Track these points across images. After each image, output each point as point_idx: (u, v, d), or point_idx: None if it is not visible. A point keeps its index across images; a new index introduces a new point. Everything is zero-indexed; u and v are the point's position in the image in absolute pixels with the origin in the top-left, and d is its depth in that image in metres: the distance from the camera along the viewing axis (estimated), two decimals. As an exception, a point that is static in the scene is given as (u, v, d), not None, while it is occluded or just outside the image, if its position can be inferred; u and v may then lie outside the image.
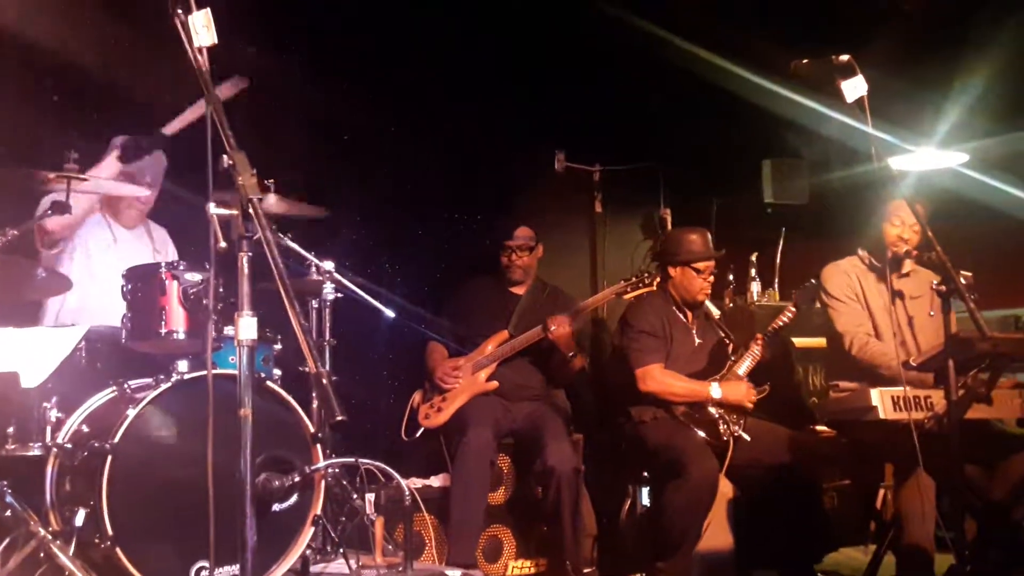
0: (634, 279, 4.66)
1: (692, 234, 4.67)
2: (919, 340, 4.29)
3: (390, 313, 3.97)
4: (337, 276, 3.91)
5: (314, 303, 4.01)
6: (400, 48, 5.18)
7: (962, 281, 3.47)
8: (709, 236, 4.70)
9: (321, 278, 3.91)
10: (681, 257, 4.63)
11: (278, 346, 3.85)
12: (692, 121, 5.88)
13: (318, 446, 3.46)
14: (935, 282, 3.46)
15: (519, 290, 4.91)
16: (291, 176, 4.02)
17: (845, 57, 3.58)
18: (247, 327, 2.36)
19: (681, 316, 4.68)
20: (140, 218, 4.14)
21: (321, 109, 4.78)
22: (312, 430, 3.47)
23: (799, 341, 5.33)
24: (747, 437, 4.40)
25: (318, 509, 3.45)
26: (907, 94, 5.17)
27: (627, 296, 4.71)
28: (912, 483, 3.93)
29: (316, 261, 3.85)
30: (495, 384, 4.65)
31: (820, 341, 4.97)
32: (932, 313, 4.29)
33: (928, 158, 5.85)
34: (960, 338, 3.57)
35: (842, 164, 6.10)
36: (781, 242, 5.95)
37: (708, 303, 4.82)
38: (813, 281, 4.52)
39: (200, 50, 2.51)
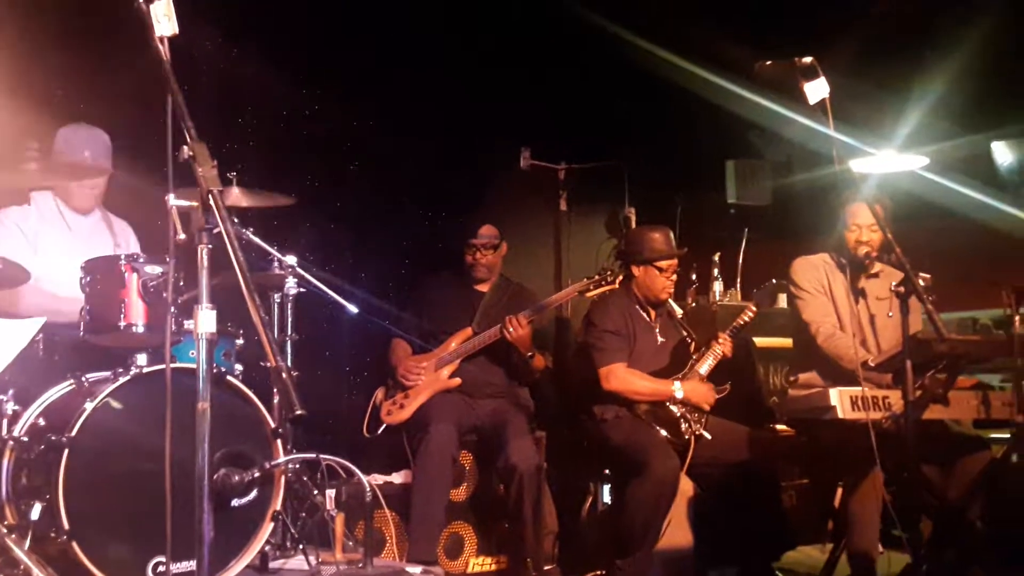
0: (597, 277, 4.66)
1: (655, 233, 4.68)
2: (879, 340, 4.32)
3: (353, 309, 3.94)
4: (300, 271, 3.87)
5: (276, 298, 3.97)
6: (367, 44, 5.16)
7: (920, 283, 3.51)
8: (672, 235, 4.71)
9: (284, 273, 3.87)
10: (644, 256, 4.64)
11: (240, 341, 3.81)
12: (657, 121, 5.90)
13: (279, 441, 3.43)
14: (894, 283, 3.50)
15: (483, 287, 4.90)
16: (255, 169, 3.98)
17: (808, 59, 3.61)
18: (206, 320, 2.34)
19: (644, 315, 4.69)
20: (94, 201, 4.06)
21: (285, 102, 4.74)
22: (273, 425, 3.44)
23: (760, 341, 5.37)
24: (708, 436, 4.42)
25: (278, 505, 3.41)
26: (868, 97, 5.23)
27: (590, 294, 4.70)
28: (868, 482, 3.96)
29: (279, 255, 3.81)
30: (458, 381, 4.64)
31: (782, 341, 5.02)
32: (891, 314, 4.33)
33: (889, 161, 5.91)
34: (918, 339, 3.61)
35: (804, 166, 6.16)
36: (744, 242, 5.98)
37: (671, 302, 4.83)
38: (774, 281, 4.54)
39: (162, 39, 2.48)
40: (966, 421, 4.35)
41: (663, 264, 4.62)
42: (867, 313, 4.37)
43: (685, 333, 4.78)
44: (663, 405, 4.48)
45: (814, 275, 4.40)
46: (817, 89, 3.59)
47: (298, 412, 2.16)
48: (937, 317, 3.44)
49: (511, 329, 4.54)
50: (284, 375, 2.17)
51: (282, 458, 3.41)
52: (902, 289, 3.50)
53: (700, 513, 4.72)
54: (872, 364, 3.89)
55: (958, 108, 5.53)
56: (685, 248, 4.77)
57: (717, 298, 5.86)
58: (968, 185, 5.80)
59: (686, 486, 4.63)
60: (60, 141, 3.92)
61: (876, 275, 4.42)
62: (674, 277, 4.68)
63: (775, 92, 5.13)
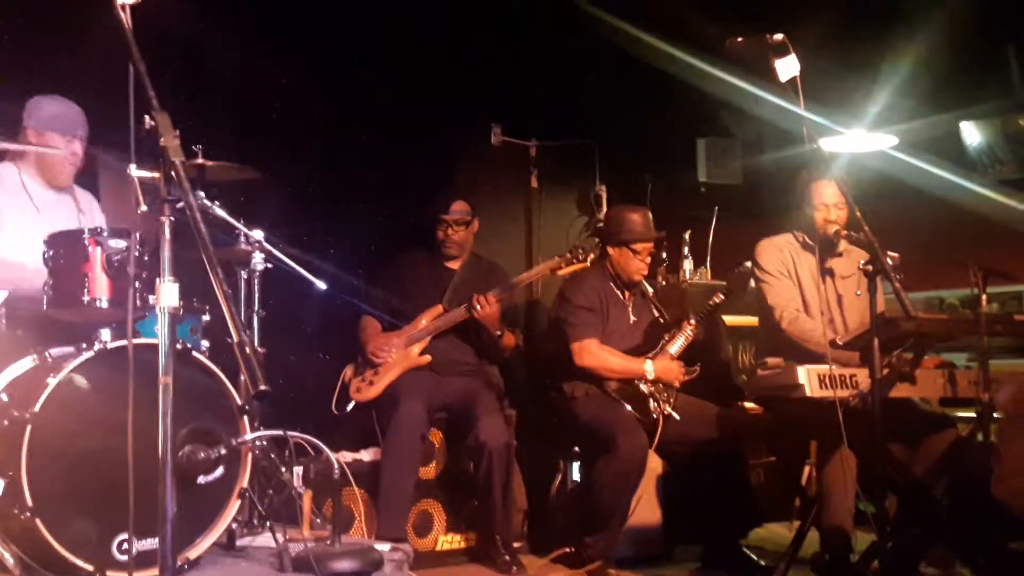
0: (568, 255, 4.67)
1: (633, 214, 4.68)
2: (847, 319, 4.34)
3: (322, 285, 3.91)
4: (267, 246, 3.84)
5: (243, 273, 3.92)
6: (337, 16, 5.10)
7: (888, 262, 3.53)
8: (650, 216, 4.70)
9: (250, 247, 3.83)
10: (621, 236, 4.64)
11: (206, 317, 3.77)
12: (628, 98, 5.88)
13: (245, 418, 3.40)
14: (862, 262, 3.51)
15: (454, 264, 4.88)
16: (221, 141, 3.93)
17: (779, 36, 3.60)
18: (168, 293, 2.31)
19: (618, 293, 4.70)
20: (72, 174, 4.00)
21: (253, 74, 4.68)
22: (239, 402, 3.41)
23: (730, 319, 5.39)
24: (677, 416, 4.45)
25: (245, 482, 3.39)
26: (838, 75, 5.23)
27: (561, 272, 4.71)
28: (835, 460, 3.99)
29: (245, 230, 3.77)
30: (428, 358, 4.63)
31: (751, 319, 5.04)
32: (859, 293, 4.35)
33: (858, 140, 5.93)
34: (885, 318, 3.63)
35: (775, 145, 6.17)
36: (714, 221, 5.99)
37: (643, 281, 4.84)
38: (748, 264, 4.55)
39: (123, 7, 2.43)
40: (932, 399, 4.39)
41: (638, 246, 4.62)
42: (834, 293, 4.38)
43: (657, 313, 4.80)
44: (633, 383, 4.49)
45: (778, 257, 4.40)
46: (788, 67, 3.59)
47: (261, 388, 2.14)
48: (904, 296, 3.46)
49: (479, 307, 4.53)
50: (247, 349, 2.14)
51: (249, 435, 3.39)
52: (870, 268, 3.51)
53: (669, 490, 4.76)
54: (840, 343, 3.91)
55: (927, 87, 5.55)
56: (663, 232, 4.77)
57: (687, 277, 5.88)
58: (937, 165, 5.81)
59: (655, 463, 4.66)
60: (39, 112, 3.84)
61: (840, 254, 4.43)
62: (648, 259, 4.70)
63: (746, 70, 5.12)
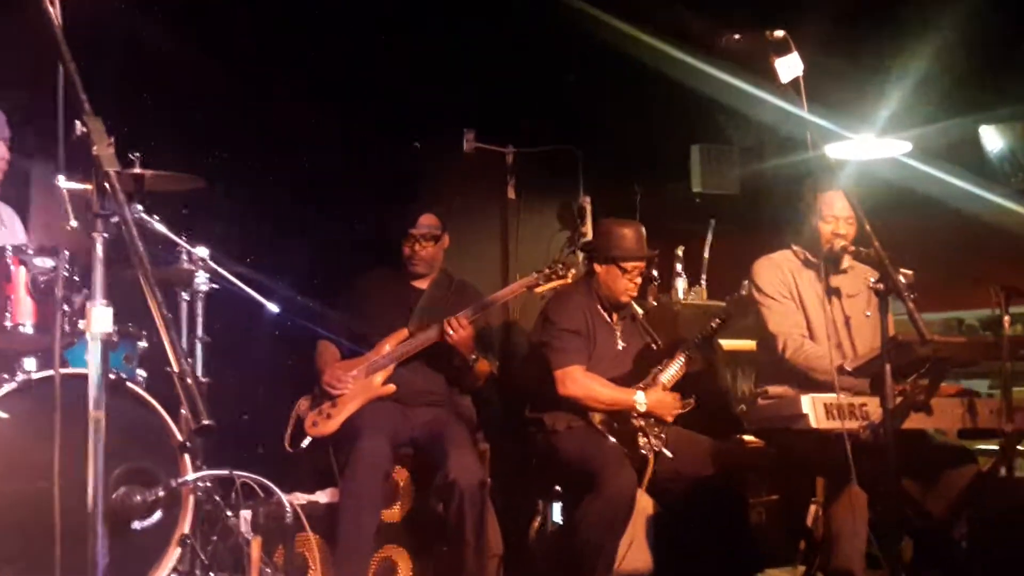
0: (547, 270, 4.67)
1: (626, 229, 4.70)
2: (856, 342, 4.37)
3: (274, 307, 3.91)
4: (212, 264, 3.83)
5: (185, 295, 3.92)
6: (294, 14, 5.11)
7: (901, 280, 3.54)
8: (644, 233, 4.72)
9: (193, 266, 3.83)
10: (610, 253, 4.66)
11: (143, 344, 3.77)
12: (614, 101, 5.92)
13: (187, 456, 3.39)
14: (872, 280, 3.53)
15: (422, 283, 4.89)
16: (162, 149, 3.93)
17: (780, 33, 3.62)
18: (100, 318, 2.30)
19: (605, 315, 4.71)
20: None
21: (198, 74, 4.68)
22: (180, 439, 3.40)
23: (727, 343, 5.40)
24: (669, 454, 4.45)
25: (186, 528, 3.39)
26: (846, 76, 5.28)
27: (539, 289, 4.72)
28: (844, 498, 4.00)
29: (187, 246, 3.77)
30: (392, 388, 4.62)
31: (749, 343, 5.05)
32: (869, 314, 4.38)
33: (868, 146, 5.97)
34: (898, 341, 3.64)
35: (776, 151, 6.21)
36: (710, 235, 6.01)
37: (632, 303, 4.85)
38: (748, 287, 4.57)
39: (52, 1, 2.43)
40: (950, 431, 4.40)
41: (628, 265, 4.65)
42: (841, 314, 4.41)
43: (648, 338, 4.81)
44: (622, 416, 4.50)
45: (778, 277, 4.43)
46: (790, 66, 3.61)
47: (204, 422, 2.13)
48: (919, 317, 3.47)
49: (451, 331, 4.53)
50: (188, 380, 2.14)
51: (191, 475, 3.37)
52: (881, 286, 3.53)
53: (660, 533, 4.75)
54: (848, 368, 3.93)
55: (944, 89, 5.59)
56: (656, 250, 4.79)
57: (680, 297, 5.90)
58: (954, 173, 5.86)
59: (645, 503, 4.65)
60: None
61: (845, 271, 4.46)
62: (639, 279, 4.71)
63: (744, 69, 5.16)
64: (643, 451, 4.44)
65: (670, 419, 4.53)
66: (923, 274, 3.71)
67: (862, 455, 3.76)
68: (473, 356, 4.63)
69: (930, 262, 4.39)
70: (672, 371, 4.61)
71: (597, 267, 4.70)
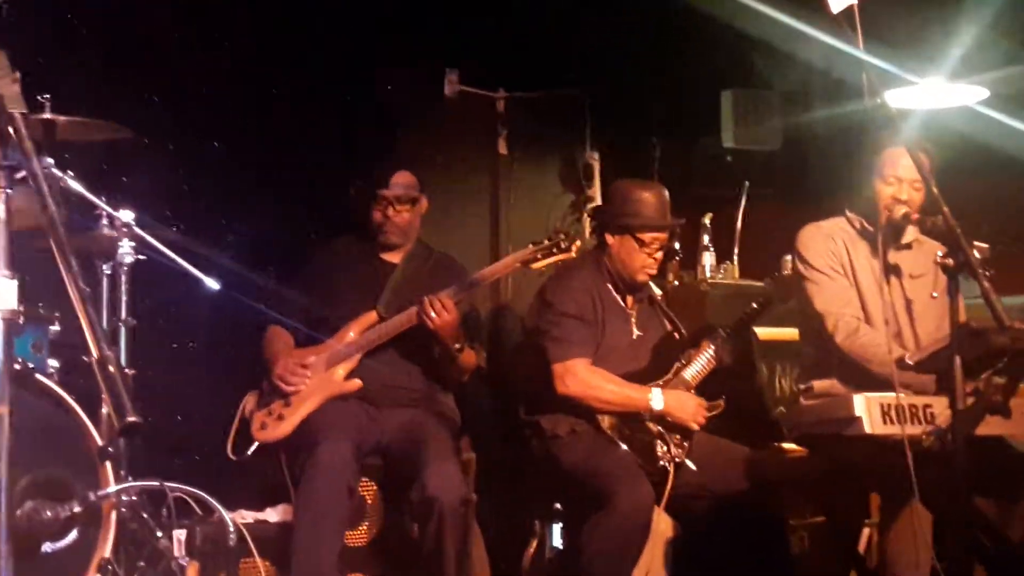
0: (546, 243, 4.66)
1: (645, 192, 4.69)
2: (919, 331, 4.38)
3: (214, 284, 3.90)
4: (139, 231, 3.82)
5: (106, 268, 3.92)
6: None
7: (975, 255, 3.55)
8: (667, 198, 4.71)
9: (116, 233, 3.82)
10: (625, 221, 4.65)
11: (56, 328, 3.76)
12: (629, 35, 5.90)
13: (108, 464, 3.39)
14: (939, 254, 3.53)
15: (394, 257, 4.89)
16: (79, 91, 3.92)
17: (830, -48, 3.62)
18: (4, 293, 2.29)
19: (617, 298, 4.72)
20: None
21: (124, 3, 4.67)
22: (100, 442, 3.40)
23: (763, 332, 5.41)
24: (693, 466, 4.46)
25: (106, 551, 3.39)
26: (910, 6, 5.27)
27: (536, 265, 4.70)
28: (904, 519, 4.03)
29: (109, 209, 3.76)
30: (358, 384, 4.62)
31: (791, 332, 5.06)
32: (935, 295, 4.39)
33: (937, 93, 5.97)
34: (971, 329, 3.64)
35: (824, 99, 6.20)
36: (743, 200, 6.02)
37: (650, 283, 4.86)
38: (790, 261, 4.57)
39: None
40: (1034, 438, 4.43)
41: (647, 237, 4.64)
42: (902, 296, 4.42)
43: (670, 326, 4.81)
44: (636, 419, 4.50)
45: (828, 248, 4.44)
46: (842, -6, 3.61)
47: (130, 420, 2.13)
48: (996, 300, 3.48)
49: (432, 313, 4.52)
50: (111, 368, 2.13)
51: (113, 487, 3.37)
52: (950, 262, 3.53)
53: (682, 560, 4.76)
54: (910, 362, 3.93)
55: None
56: (682, 219, 4.79)
57: (707, 274, 5.91)
58: (1041, 125, 5.87)
59: (664, 524, 4.66)
60: None
61: (908, 246, 4.47)
62: (659, 255, 4.71)
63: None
64: (662, 462, 4.45)
65: (694, 427, 4.53)
66: (1002, 248, 3.71)
67: (926, 467, 3.77)
68: (458, 345, 4.63)
69: (1010, 234, 4.41)
70: (698, 366, 4.61)
71: (609, 238, 4.70)
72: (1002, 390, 3.83)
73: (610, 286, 4.72)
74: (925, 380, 3.96)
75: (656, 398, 4.51)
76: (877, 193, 4.39)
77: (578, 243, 4.66)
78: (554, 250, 4.63)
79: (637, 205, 4.66)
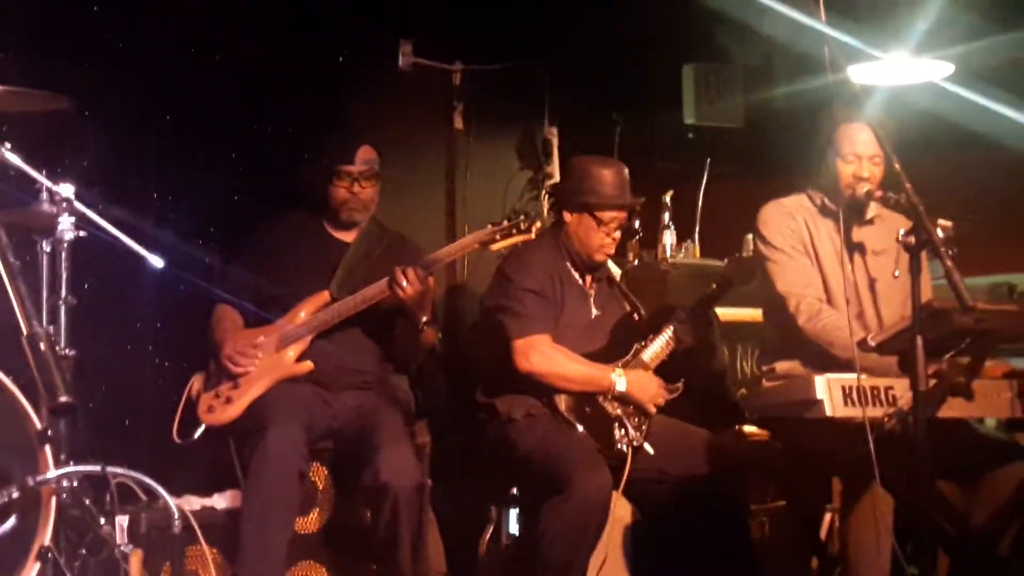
0: (506, 223, 4.64)
1: (603, 169, 4.69)
2: (882, 310, 4.41)
3: (158, 261, 3.87)
4: (80, 206, 3.79)
5: (45, 245, 3.87)
6: None
7: (938, 232, 3.56)
8: (627, 175, 4.71)
9: (55, 209, 3.78)
10: (582, 198, 4.65)
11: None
12: (589, 7, 5.88)
13: (47, 448, 3.36)
14: (902, 231, 3.54)
15: (346, 235, 4.87)
16: (15, 58, 3.88)
17: (792, -76, 3.62)
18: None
19: (577, 276, 4.72)
20: None
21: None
22: (39, 426, 3.37)
23: (724, 313, 5.42)
24: (651, 450, 4.47)
25: (46, 538, 3.37)
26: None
27: (495, 246, 4.69)
28: (865, 504, 4.04)
29: (48, 183, 3.72)
30: (309, 366, 4.60)
31: (753, 313, 5.08)
32: (897, 274, 4.41)
33: (900, 68, 5.99)
34: (934, 309, 3.66)
35: (788, 74, 6.21)
36: (705, 178, 6.03)
37: (609, 262, 4.86)
38: (752, 239, 4.58)
39: None
40: (996, 421, 4.45)
41: (605, 215, 4.64)
42: (865, 275, 4.45)
43: (629, 307, 4.81)
44: (594, 401, 4.51)
45: (789, 226, 4.45)
46: (805, -35, 3.62)
47: (62, 400, 2.12)
48: (959, 280, 3.50)
49: (404, 282, 4.49)
50: (41, 346, 2.11)
51: (53, 472, 3.35)
52: (912, 240, 3.55)
53: (641, 546, 4.79)
54: (872, 343, 3.94)
55: (994, -3, 5.63)
56: (641, 198, 4.78)
57: (668, 253, 5.91)
58: (1006, 101, 5.88)
59: (622, 510, 4.68)
60: None
61: (871, 222, 4.49)
62: (617, 234, 4.72)
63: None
64: (620, 445, 4.46)
65: (652, 409, 4.54)
66: (965, 226, 3.73)
67: (889, 450, 3.79)
68: (425, 318, 4.60)
69: (974, 212, 4.43)
70: (656, 347, 4.62)
71: (567, 216, 4.70)
72: (965, 372, 3.87)
73: (569, 265, 4.72)
74: (887, 362, 3.98)
75: (619, 378, 4.51)
76: (838, 171, 4.40)
77: (538, 224, 4.65)
78: (513, 231, 4.61)
79: (595, 183, 4.66)
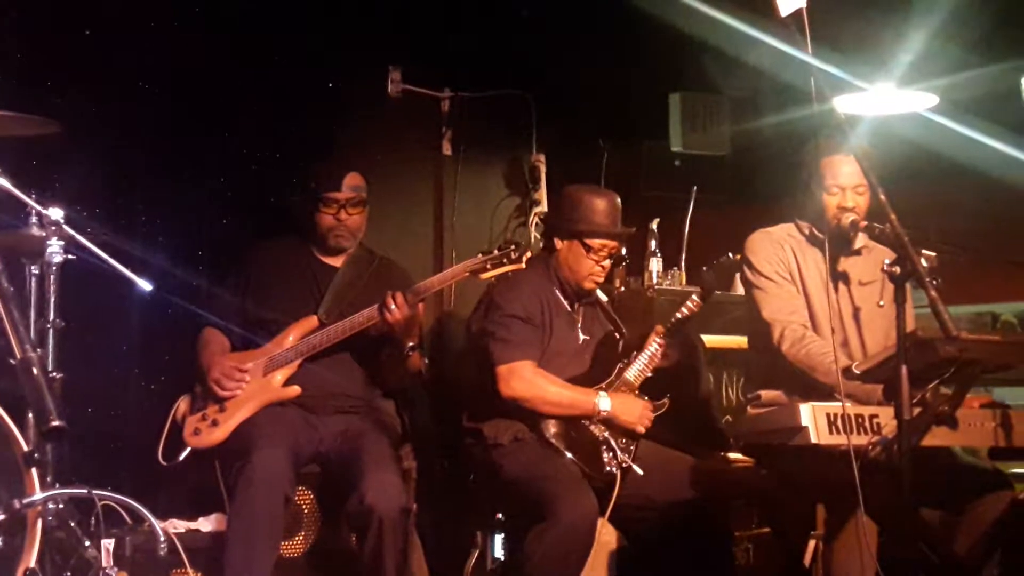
0: (496, 252, 4.65)
1: (596, 198, 4.71)
2: (866, 339, 4.41)
3: (147, 285, 3.87)
4: (69, 230, 3.79)
5: (34, 268, 3.88)
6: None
7: (923, 263, 3.58)
8: (619, 205, 4.73)
9: (44, 232, 3.78)
10: (573, 226, 4.67)
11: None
12: (577, 36, 5.90)
13: (34, 471, 3.35)
14: (887, 262, 3.56)
15: (335, 260, 4.87)
16: (5, 83, 3.89)
17: (780, -44, 3.64)
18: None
19: (565, 303, 4.73)
20: None
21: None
22: (26, 448, 3.36)
23: (710, 340, 5.44)
24: (640, 471, 4.47)
25: (31, 561, 3.35)
26: (860, 12, 5.30)
27: (485, 275, 4.69)
28: (849, 531, 4.04)
29: (38, 207, 3.72)
30: (296, 390, 4.60)
31: (738, 340, 5.08)
32: (882, 303, 4.42)
33: (886, 99, 6.02)
34: (918, 338, 3.67)
35: (774, 104, 6.23)
36: (691, 206, 6.04)
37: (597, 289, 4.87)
38: (731, 255, 4.60)
39: None
40: (980, 450, 4.46)
41: (595, 243, 4.65)
42: (849, 304, 4.45)
43: (613, 328, 4.81)
44: (580, 425, 4.51)
45: (776, 255, 4.46)
46: (790, -3, 3.63)
47: (54, 424, 2.11)
48: (944, 309, 3.51)
49: (393, 306, 4.50)
50: (35, 370, 2.11)
51: (39, 495, 3.33)
52: (896, 270, 3.56)
53: (626, 571, 4.77)
54: (857, 371, 3.95)
55: (978, 31, 5.64)
56: (632, 228, 4.79)
57: (655, 280, 5.92)
58: (990, 132, 5.91)
59: (608, 536, 4.67)
60: None
61: (858, 252, 4.50)
62: (607, 263, 4.73)
63: (736, 3, 5.16)
64: (609, 468, 4.46)
65: (641, 429, 4.54)
66: (950, 257, 3.74)
67: (873, 478, 3.79)
68: (412, 343, 4.61)
69: (958, 242, 4.44)
70: (640, 365, 4.63)
71: (558, 243, 4.71)
72: (949, 400, 3.88)
73: (557, 291, 4.73)
74: (870, 390, 3.99)
75: (603, 401, 4.52)
76: (823, 203, 4.42)
77: (528, 254, 4.65)
78: (504, 260, 4.61)
79: (588, 211, 4.68)
